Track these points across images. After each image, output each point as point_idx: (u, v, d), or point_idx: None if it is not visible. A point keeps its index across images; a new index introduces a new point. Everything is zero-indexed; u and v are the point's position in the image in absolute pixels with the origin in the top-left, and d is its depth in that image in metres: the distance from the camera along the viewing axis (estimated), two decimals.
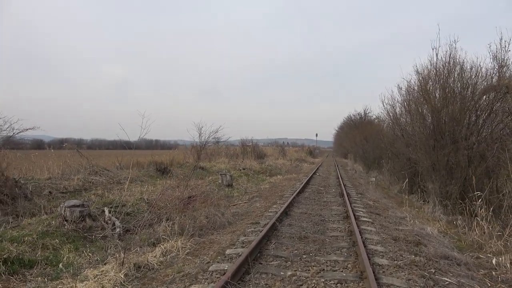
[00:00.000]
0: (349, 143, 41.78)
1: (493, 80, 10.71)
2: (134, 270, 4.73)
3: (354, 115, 48.18)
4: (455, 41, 11.21)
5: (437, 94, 12.04)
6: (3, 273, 4.83)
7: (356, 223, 6.85)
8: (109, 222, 7.47)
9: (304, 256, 5.02)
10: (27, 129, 10.05)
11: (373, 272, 4.08)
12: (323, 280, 4.10)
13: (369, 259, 4.65)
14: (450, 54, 11.34)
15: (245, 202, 11.01)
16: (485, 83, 11.13)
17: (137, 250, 5.49)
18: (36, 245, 5.80)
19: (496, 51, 10.08)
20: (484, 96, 11.10)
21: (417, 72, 13.11)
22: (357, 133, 34.10)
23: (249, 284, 3.98)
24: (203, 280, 4.12)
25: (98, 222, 7.48)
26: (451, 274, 4.78)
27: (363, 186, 16.42)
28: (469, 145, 10.88)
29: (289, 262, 4.75)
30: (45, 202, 9.15)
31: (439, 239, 7.14)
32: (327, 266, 4.61)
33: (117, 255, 5.04)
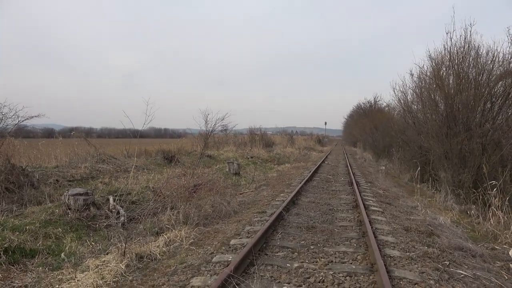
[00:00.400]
0: (359, 132, 41.27)
1: (511, 65, 10.29)
2: (136, 261, 4.59)
3: (363, 103, 47.57)
4: (470, 24, 10.75)
5: (450, 80, 11.65)
6: (3, 262, 4.73)
7: (366, 213, 6.63)
8: (114, 210, 7.36)
9: (312, 247, 4.82)
10: (32, 117, 9.90)
11: (385, 265, 3.87)
12: (332, 272, 3.91)
13: (380, 251, 4.43)
14: (465, 38, 10.90)
15: (252, 191, 10.84)
16: (501, 69, 10.72)
17: (140, 239, 5.35)
18: (38, 234, 5.70)
19: None
20: (500, 82, 10.70)
21: (430, 57, 12.69)
22: (367, 121, 33.63)
23: (253, 277, 3.80)
24: (206, 272, 3.95)
25: (102, 210, 7.37)
26: (466, 266, 4.55)
27: (373, 174, 16.13)
28: (483, 132, 10.53)
29: (296, 253, 4.56)
30: (51, 190, 9.09)
31: (452, 229, 6.89)
32: (335, 257, 4.41)
33: (119, 245, 4.91)
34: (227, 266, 3.95)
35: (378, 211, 7.37)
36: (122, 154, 16.43)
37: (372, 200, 8.63)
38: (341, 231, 5.68)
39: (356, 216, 6.70)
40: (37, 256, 5.11)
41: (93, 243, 5.80)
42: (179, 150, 19.32)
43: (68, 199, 7.05)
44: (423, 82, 14.44)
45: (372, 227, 5.64)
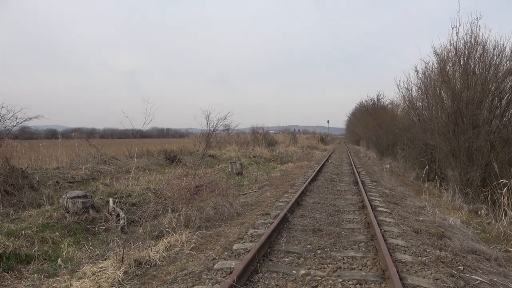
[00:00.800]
0: (362, 130, 40.95)
1: None
2: (134, 267, 4.39)
3: (366, 101, 47.16)
4: (477, 18, 10.48)
5: (457, 76, 11.39)
6: None
7: (374, 214, 6.40)
8: (113, 213, 7.17)
9: (319, 252, 4.60)
10: (30, 118, 9.74)
11: (397, 271, 3.64)
12: (341, 280, 3.68)
13: (391, 255, 4.19)
14: (471, 33, 10.63)
15: (255, 191, 10.62)
16: (509, 63, 10.47)
17: (139, 244, 5.14)
18: (34, 239, 5.51)
19: None
20: (509, 77, 10.44)
21: (436, 53, 12.42)
22: (370, 119, 33.33)
23: (258, 285, 3.57)
24: (207, 280, 3.72)
25: (101, 213, 7.19)
26: (481, 271, 4.33)
27: (378, 173, 15.88)
28: (491, 129, 10.27)
29: (302, 259, 4.34)
30: (51, 192, 8.92)
31: (462, 230, 6.67)
32: (344, 263, 4.18)
33: (117, 250, 4.71)
34: (229, 273, 3.73)
35: (386, 212, 7.14)
36: (123, 154, 16.26)
37: (378, 200, 8.39)
38: (348, 234, 5.45)
39: (364, 218, 6.46)
40: (32, 262, 4.93)
41: (91, 247, 5.62)
42: (181, 150, 19.15)
43: (67, 202, 6.86)
44: (428, 78, 14.20)
45: (381, 230, 5.41)
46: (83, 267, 4.67)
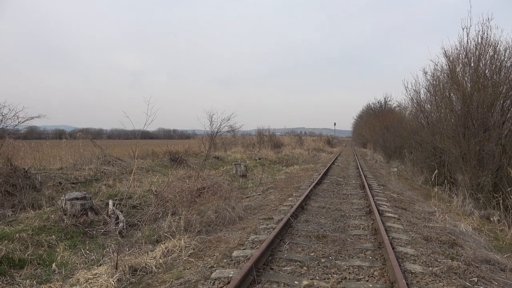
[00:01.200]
0: (369, 132, 40.55)
1: None
2: (129, 274, 4.18)
3: (373, 104, 46.81)
4: (488, 19, 10.19)
5: (467, 78, 11.09)
6: None
7: (381, 219, 6.14)
8: (113, 216, 6.98)
9: (323, 260, 4.36)
10: (32, 118, 9.63)
11: (407, 284, 3.40)
12: None
13: (400, 266, 3.95)
14: (482, 34, 10.33)
15: (259, 194, 10.40)
16: None
17: (136, 249, 4.95)
18: (29, 242, 5.33)
19: None
20: None
21: (445, 54, 12.12)
22: (377, 121, 32.95)
23: None
24: None
25: (101, 216, 7.01)
26: (496, 283, 4.06)
27: (385, 177, 15.56)
28: (503, 132, 9.97)
29: (305, 268, 4.10)
30: (53, 193, 8.79)
31: (474, 237, 6.38)
32: (349, 273, 3.94)
33: (112, 256, 4.51)
34: (227, 283, 3.52)
35: (394, 217, 6.87)
36: (128, 155, 16.14)
37: (386, 205, 8.12)
38: (354, 241, 5.20)
39: (371, 224, 6.21)
40: (26, 267, 4.75)
41: (87, 251, 5.42)
42: (186, 151, 19.00)
43: (65, 203, 6.70)
44: (437, 80, 13.89)
45: (388, 237, 5.16)
46: (77, 273, 4.48)
